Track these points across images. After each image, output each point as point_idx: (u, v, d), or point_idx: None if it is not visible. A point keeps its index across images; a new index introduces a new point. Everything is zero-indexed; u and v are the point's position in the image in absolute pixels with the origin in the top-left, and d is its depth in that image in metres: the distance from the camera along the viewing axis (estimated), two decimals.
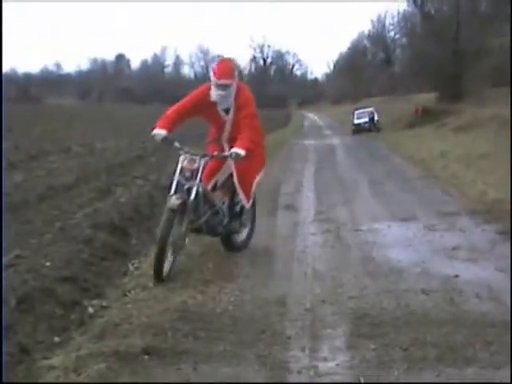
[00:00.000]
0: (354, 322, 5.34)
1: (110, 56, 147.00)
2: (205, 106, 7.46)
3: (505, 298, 5.98)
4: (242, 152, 7.06)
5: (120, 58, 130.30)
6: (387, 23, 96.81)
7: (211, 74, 7.33)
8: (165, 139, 7.18)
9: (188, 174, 6.99)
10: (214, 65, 7.51)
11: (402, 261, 7.43)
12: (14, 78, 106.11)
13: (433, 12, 58.23)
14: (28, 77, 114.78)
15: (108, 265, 7.47)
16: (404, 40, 78.69)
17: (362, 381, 4.30)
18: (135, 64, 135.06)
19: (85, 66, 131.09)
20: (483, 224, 9.38)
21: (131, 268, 7.45)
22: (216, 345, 4.92)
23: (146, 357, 4.62)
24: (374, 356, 4.61)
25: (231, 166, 7.66)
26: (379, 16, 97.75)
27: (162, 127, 7.19)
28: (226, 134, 7.74)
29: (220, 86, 7.23)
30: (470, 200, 11.50)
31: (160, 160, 18.42)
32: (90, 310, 6.01)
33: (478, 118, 29.43)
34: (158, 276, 6.54)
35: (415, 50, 59.15)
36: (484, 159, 17.03)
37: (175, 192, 6.89)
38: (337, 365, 4.55)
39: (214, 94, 7.28)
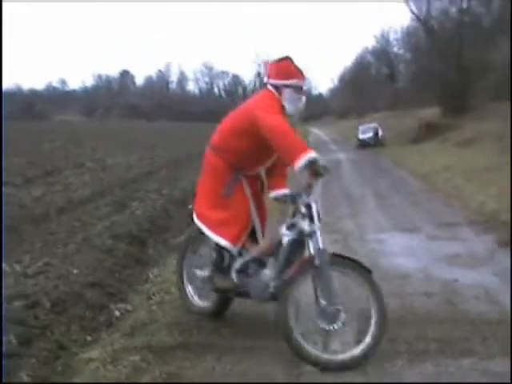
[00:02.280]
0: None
1: (114, 72, 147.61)
2: None
3: (500, 299, 6.46)
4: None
5: (125, 74, 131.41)
6: (391, 38, 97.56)
7: (282, 78, 5.48)
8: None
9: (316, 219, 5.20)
10: (281, 65, 5.55)
11: (406, 267, 7.91)
12: (19, 93, 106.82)
13: (436, 28, 58.68)
14: (33, 93, 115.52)
15: (130, 272, 7.98)
16: (408, 55, 79.16)
17: (370, 371, 4.79)
18: (140, 80, 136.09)
19: (89, 82, 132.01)
20: (482, 233, 9.87)
21: (151, 276, 7.91)
22: (238, 340, 5.44)
23: (175, 350, 5.13)
24: (380, 348, 5.02)
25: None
26: (383, 31, 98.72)
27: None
28: (263, 167, 5.84)
29: (302, 90, 5.60)
30: (471, 211, 11.97)
31: (170, 175, 18.97)
32: (117, 313, 6.51)
33: (480, 132, 29.83)
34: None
35: (419, 65, 59.56)
36: (485, 173, 17.47)
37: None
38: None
39: (296, 101, 5.52)
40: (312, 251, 5.03)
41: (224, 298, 5.89)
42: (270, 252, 5.42)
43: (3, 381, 4.66)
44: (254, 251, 5.51)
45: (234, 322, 5.96)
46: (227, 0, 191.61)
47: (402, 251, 8.91)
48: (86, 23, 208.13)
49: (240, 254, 5.54)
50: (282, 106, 5.41)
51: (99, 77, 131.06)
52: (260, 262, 5.47)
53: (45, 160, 21.66)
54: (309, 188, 5.22)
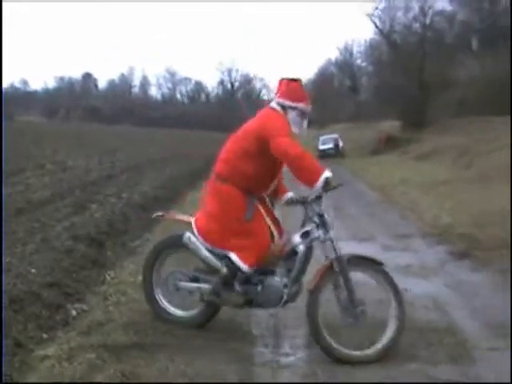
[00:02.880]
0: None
1: (76, 74, 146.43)
2: None
3: (448, 309, 6.71)
4: None
5: (87, 76, 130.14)
6: (354, 51, 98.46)
7: (290, 98, 5.63)
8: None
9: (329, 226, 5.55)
10: (292, 87, 5.70)
11: (359, 275, 8.07)
12: None
13: (399, 42, 59.36)
14: None
15: (87, 274, 8.04)
16: (370, 68, 79.97)
17: (320, 373, 4.97)
18: (102, 83, 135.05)
19: (51, 83, 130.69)
20: (435, 245, 10.13)
21: (108, 278, 8.01)
22: (190, 340, 5.58)
23: (130, 349, 5.25)
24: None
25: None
26: (346, 44, 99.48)
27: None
28: (274, 184, 5.97)
29: (307, 115, 5.79)
30: (425, 224, 12.25)
31: (129, 179, 18.98)
32: (73, 312, 6.60)
33: (439, 147, 30.30)
34: None
35: (381, 78, 60.24)
36: (442, 186, 17.82)
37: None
38: (297, 359, 5.26)
39: (299, 124, 5.71)
40: (331, 258, 5.35)
41: (211, 309, 5.99)
42: (278, 260, 5.63)
43: (3, 381, 4.75)
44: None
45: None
46: (192, 5, 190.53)
47: None
48: (49, 24, 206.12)
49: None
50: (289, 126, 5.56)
51: (61, 79, 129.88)
52: (264, 272, 5.65)
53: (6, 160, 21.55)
54: (319, 199, 5.50)
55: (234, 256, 5.58)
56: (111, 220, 11.20)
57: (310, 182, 5.25)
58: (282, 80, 5.78)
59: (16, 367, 5.08)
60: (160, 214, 6.45)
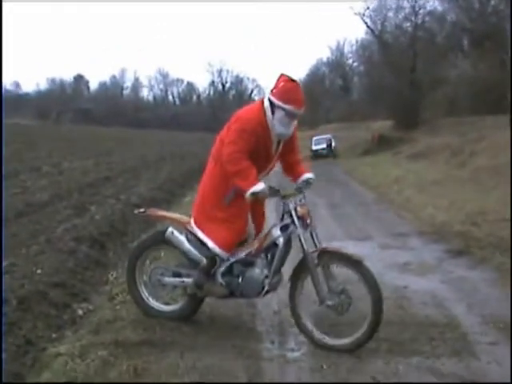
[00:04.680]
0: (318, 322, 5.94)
1: (68, 76, 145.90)
2: (261, 142, 5.73)
3: (447, 304, 6.86)
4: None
5: (79, 78, 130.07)
6: (345, 51, 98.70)
7: (280, 98, 5.58)
8: (270, 189, 5.68)
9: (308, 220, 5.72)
10: (287, 87, 5.64)
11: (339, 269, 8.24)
12: None
13: (390, 42, 59.56)
14: None
15: (91, 274, 8.19)
16: (362, 68, 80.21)
17: (325, 367, 5.12)
18: (94, 85, 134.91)
19: (43, 85, 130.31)
20: (432, 243, 10.27)
21: (111, 278, 8.17)
22: (199, 338, 5.73)
23: (140, 346, 5.39)
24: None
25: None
26: (338, 43, 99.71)
27: (257, 182, 5.53)
28: (264, 174, 6.04)
29: (296, 117, 5.75)
30: (421, 222, 12.37)
31: (127, 181, 19.07)
32: (80, 311, 6.75)
33: (431, 146, 30.44)
34: None
35: (372, 78, 60.47)
36: (435, 185, 17.98)
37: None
38: (302, 354, 5.43)
39: (286, 125, 5.70)
40: (310, 250, 5.60)
41: (196, 301, 6.16)
42: (259, 252, 5.79)
43: (3, 381, 4.85)
44: (240, 253, 5.84)
45: (194, 320, 6.23)
46: (184, 7, 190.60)
47: None
48: (41, 26, 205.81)
49: (228, 259, 5.84)
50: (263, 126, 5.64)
51: (53, 81, 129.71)
52: (245, 263, 5.82)
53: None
54: (296, 194, 5.78)
55: (210, 243, 5.75)
56: (111, 221, 11.31)
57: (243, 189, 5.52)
58: (281, 76, 5.77)
59: (28, 365, 5.22)
60: (142, 210, 6.55)
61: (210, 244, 5.76)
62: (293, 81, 5.68)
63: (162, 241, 6.12)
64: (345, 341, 5.50)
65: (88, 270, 8.32)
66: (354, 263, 5.50)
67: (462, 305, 6.84)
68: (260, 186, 5.46)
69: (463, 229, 10.89)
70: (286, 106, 5.57)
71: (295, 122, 5.79)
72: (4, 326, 5.64)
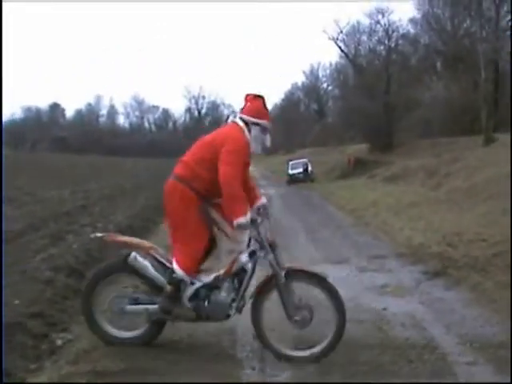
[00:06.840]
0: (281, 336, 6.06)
1: (44, 105, 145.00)
2: (246, 161, 6.01)
3: (425, 325, 6.90)
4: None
5: (54, 106, 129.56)
6: (320, 75, 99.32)
7: (254, 115, 5.89)
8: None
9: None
10: (256, 104, 5.97)
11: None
12: None
13: (364, 65, 60.10)
14: None
15: (70, 303, 8.09)
16: (336, 92, 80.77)
17: None
18: (70, 113, 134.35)
19: (18, 114, 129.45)
20: (409, 265, 10.35)
21: None
22: (179, 365, 5.71)
23: (120, 374, 5.36)
24: (315, 369, 5.53)
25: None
26: (312, 68, 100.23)
27: (247, 213, 5.73)
28: None
29: (268, 130, 6.03)
30: (398, 244, 12.47)
31: (104, 209, 18.96)
32: (59, 342, 6.66)
33: (407, 168, 30.66)
34: None
35: (347, 101, 60.87)
36: (411, 207, 18.11)
37: None
38: (284, 379, 5.44)
39: (260, 142, 5.99)
40: (272, 272, 5.84)
41: (159, 326, 6.15)
42: (227, 277, 5.87)
43: (3, 381, 4.90)
44: (208, 277, 5.92)
45: (174, 348, 6.21)
46: (158, 33, 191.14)
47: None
48: (13, 54, 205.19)
49: (192, 283, 5.88)
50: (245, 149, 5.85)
51: (29, 109, 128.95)
52: (210, 287, 5.89)
53: None
54: (254, 223, 5.84)
55: (175, 265, 5.83)
56: (89, 250, 11.23)
57: (231, 218, 5.65)
58: (247, 96, 6.07)
59: None
60: (99, 235, 6.53)
61: (175, 266, 5.82)
62: (260, 97, 6.04)
63: (122, 268, 6.08)
64: (306, 353, 5.81)
65: (67, 299, 8.22)
66: (320, 280, 5.84)
67: (440, 325, 6.89)
68: (248, 218, 5.66)
69: (440, 250, 10.98)
70: (261, 122, 5.93)
71: (269, 137, 6.08)
72: None
